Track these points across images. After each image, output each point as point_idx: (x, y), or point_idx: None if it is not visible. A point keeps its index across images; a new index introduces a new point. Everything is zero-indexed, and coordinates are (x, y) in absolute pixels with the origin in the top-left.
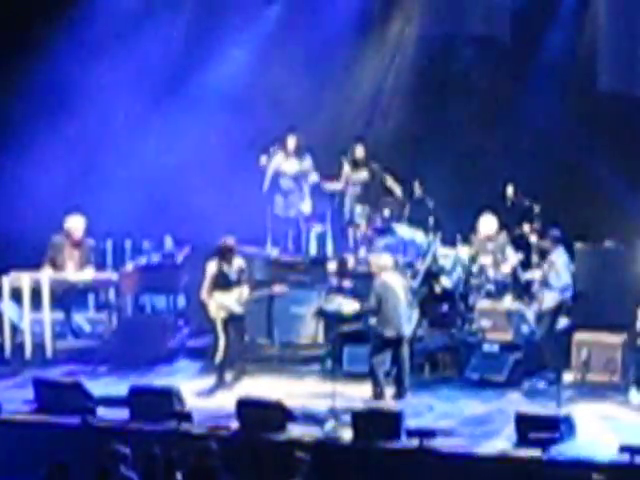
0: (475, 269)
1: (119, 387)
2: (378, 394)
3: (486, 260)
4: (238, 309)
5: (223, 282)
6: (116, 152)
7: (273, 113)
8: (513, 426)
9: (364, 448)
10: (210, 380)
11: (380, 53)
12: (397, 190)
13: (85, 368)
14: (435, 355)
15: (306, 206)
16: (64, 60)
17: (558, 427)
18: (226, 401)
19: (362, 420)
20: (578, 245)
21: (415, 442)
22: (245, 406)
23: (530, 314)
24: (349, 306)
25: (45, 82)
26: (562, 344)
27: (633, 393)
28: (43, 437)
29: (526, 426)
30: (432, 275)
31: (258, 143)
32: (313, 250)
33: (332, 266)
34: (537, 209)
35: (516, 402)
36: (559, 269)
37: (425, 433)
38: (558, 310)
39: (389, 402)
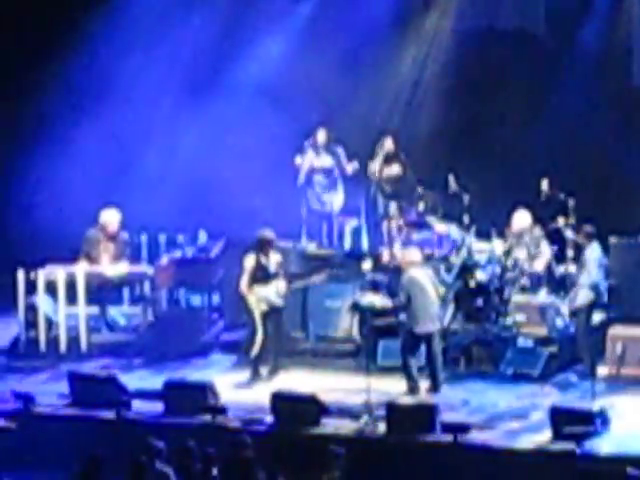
0: (510, 263)
1: (154, 381)
2: (412, 388)
3: (521, 254)
4: (279, 301)
5: (262, 275)
6: (151, 146)
7: (308, 107)
8: (548, 420)
9: (398, 442)
10: (244, 374)
11: (415, 47)
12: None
13: (120, 362)
14: (470, 349)
15: (339, 200)
16: (101, 54)
17: (593, 421)
18: (261, 395)
19: (397, 414)
20: (613, 239)
21: (450, 436)
22: (280, 400)
23: (565, 308)
24: (381, 301)
25: (82, 76)
26: (597, 338)
27: None
28: (78, 431)
29: (561, 420)
30: (467, 269)
31: (293, 137)
32: (348, 244)
33: (367, 265)
34: (572, 203)
35: (550, 396)
36: (590, 267)
37: (460, 427)
38: (591, 306)
39: (424, 396)
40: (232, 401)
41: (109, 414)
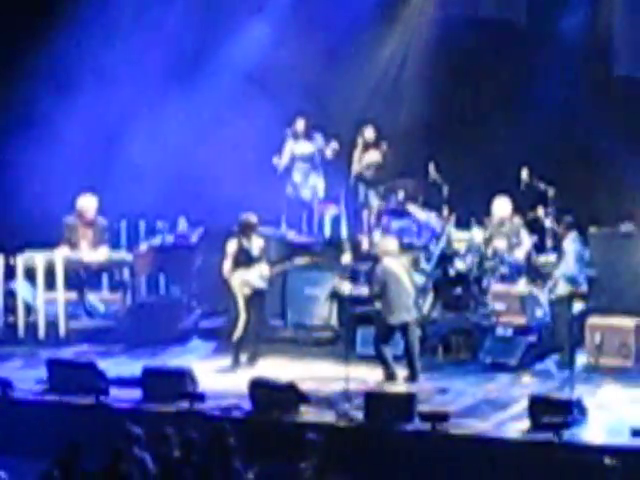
0: (489, 252)
1: (132, 367)
2: (390, 375)
3: (500, 243)
4: (262, 284)
5: (245, 258)
6: (132, 134)
7: (291, 95)
8: (526, 410)
9: (376, 431)
10: (223, 361)
11: (397, 36)
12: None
13: (98, 348)
14: (448, 338)
15: (320, 188)
16: (84, 39)
17: (571, 411)
18: (239, 382)
19: (374, 403)
20: (593, 229)
21: (427, 425)
22: (258, 387)
23: (544, 298)
24: (357, 290)
25: (64, 62)
26: (575, 328)
27: None
28: (56, 417)
29: (539, 410)
30: (446, 258)
31: (276, 125)
32: (327, 232)
33: (346, 258)
34: (552, 193)
35: (529, 386)
36: (569, 258)
37: (437, 416)
38: (571, 297)
39: (401, 385)
40: (210, 388)
41: (87, 400)
